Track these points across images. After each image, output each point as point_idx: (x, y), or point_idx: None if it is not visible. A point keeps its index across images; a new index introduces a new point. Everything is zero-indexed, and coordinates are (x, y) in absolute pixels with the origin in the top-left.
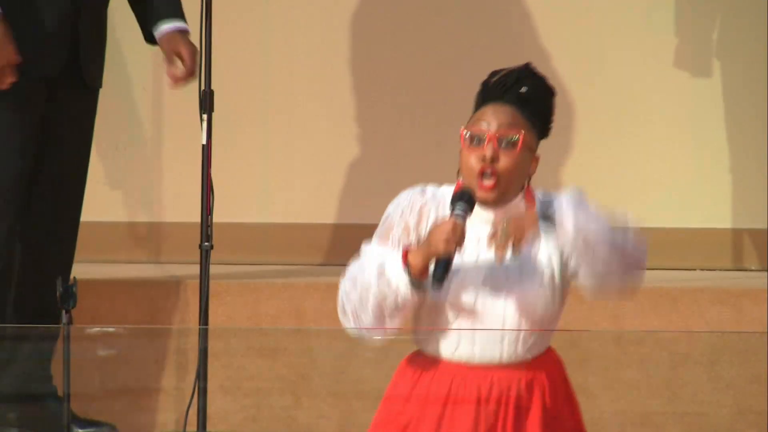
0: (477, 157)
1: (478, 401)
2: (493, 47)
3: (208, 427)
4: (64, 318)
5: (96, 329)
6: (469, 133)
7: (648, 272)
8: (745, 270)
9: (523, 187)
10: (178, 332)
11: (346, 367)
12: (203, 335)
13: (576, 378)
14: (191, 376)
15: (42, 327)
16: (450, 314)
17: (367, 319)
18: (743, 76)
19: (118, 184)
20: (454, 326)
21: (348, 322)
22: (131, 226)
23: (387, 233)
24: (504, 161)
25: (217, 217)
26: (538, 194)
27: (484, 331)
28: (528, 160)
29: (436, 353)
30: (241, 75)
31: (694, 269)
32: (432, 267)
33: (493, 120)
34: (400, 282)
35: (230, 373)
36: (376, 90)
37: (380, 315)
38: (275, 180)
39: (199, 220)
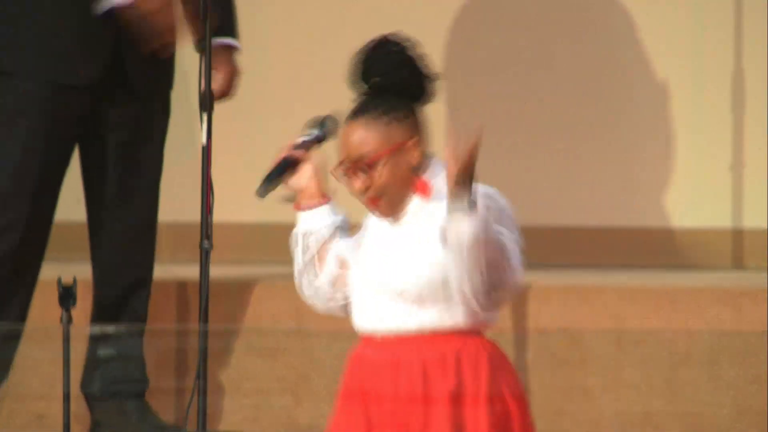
0: (354, 189)
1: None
2: (493, 46)
3: (208, 427)
4: (64, 318)
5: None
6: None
7: (648, 272)
8: (745, 270)
9: (413, 182)
10: (178, 332)
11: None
12: (203, 335)
13: (576, 378)
14: (191, 376)
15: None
16: (356, 287)
17: (299, 277)
18: (743, 75)
19: None
20: (360, 297)
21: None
22: None
23: None
24: (374, 184)
25: (217, 217)
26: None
27: (376, 300)
28: (397, 162)
29: (360, 328)
30: (241, 75)
31: (694, 269)
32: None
33: (345, 151)
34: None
35: (230, 373)
36: None
37: (304, 263)
38: None
39: (199, 220)
